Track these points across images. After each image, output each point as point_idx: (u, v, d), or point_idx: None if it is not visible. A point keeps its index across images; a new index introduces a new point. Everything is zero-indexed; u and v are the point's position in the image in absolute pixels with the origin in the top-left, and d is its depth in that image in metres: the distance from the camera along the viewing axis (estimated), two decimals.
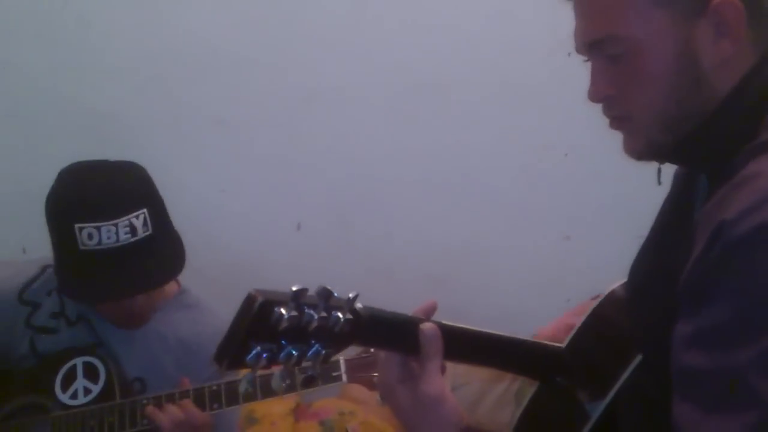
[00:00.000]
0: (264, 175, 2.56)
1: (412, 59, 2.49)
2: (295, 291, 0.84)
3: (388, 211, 2.59)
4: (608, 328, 1.21)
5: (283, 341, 0.86)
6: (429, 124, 2.55)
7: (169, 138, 2.50)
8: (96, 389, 1.68)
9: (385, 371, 1.03)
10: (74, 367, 1.70)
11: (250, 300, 0.84)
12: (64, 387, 1.69)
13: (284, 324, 0.83)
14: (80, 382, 1.69)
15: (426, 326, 1.00)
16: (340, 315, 0.89)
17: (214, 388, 1.62)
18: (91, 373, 1.69)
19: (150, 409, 1.61)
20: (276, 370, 0.89)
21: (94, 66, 2.44)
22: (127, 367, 1.76)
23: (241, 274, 2.52)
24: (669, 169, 1.21)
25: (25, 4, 2.40)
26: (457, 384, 2.15)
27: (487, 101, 2.53)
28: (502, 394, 2.24)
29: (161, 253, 1.67)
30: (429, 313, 1.06)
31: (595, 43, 1.04)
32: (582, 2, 1.05)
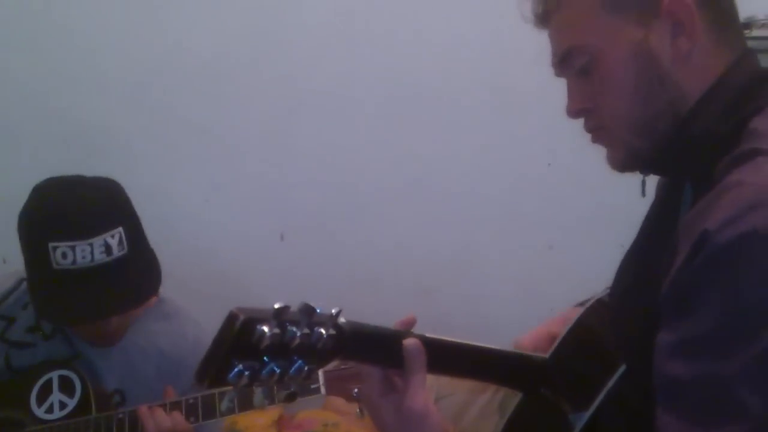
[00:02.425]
0: (248, 185, 2.55)
1: (396, 69, 2.49)
2: (277, 308, 0.84)
3: (371, 221, 2.59)
4: (592, 337, 1.21)
5: (265, 358, 0.85)
6: (413, 134, 2.55)
7: (154, 148, 2.49)
8: (72, 403, 1.65)
9: (368, 386, 1.02)
10: (50, 380, 1.67)
11: (231, 318, 0.83)
12: (40, 401, 1.66)
13: (266, 342, 0.82)
14: (56, 396, 1.66)
15: (409, 341, 0.99)
16: (322, 331, 0.88)
17: (191, 401, 1.59)
18: (67, 386, 1.67)
19: (143, 410, 1.58)
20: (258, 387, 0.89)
21: (79, 76, 2.42)
22: (106, 379, 1.74)
23: (225, 284, 2.51)
24: (653, 181, 1.22)
25: (8, 12, 2.38)
26: (441, 395, 2.14)
27: (471, 111, 2.54)
28: (486, 404, 2.23)
29: (136, 273, 1.64)
30: (408, 326, 1.05)
31: (562, 59, 1.10)
32: (551, 25, 1.11)
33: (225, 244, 2.54)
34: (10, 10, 2.38)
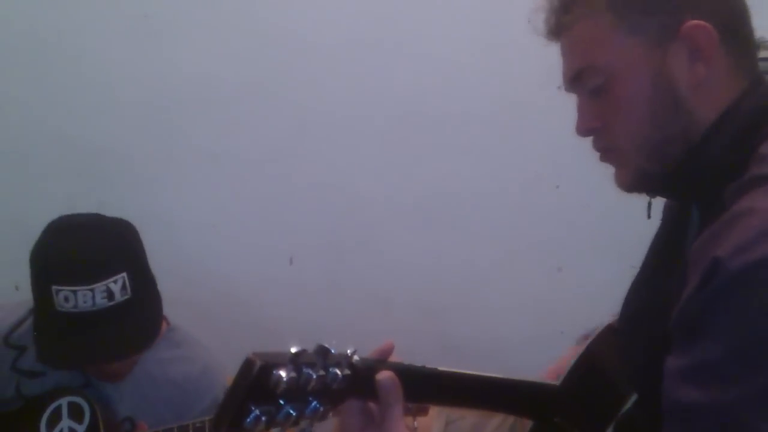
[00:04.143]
0: (256, 210, 2.56)
1: (404, 92, 2.50)
2: (294, 353, 0.84)
3: (380, 244, 2.59)
4: (603, 364, 1.20)
5: (281, 401, 0.85)
6: (421, 157, 2.55)
7: (161, 173, 2.50)
8: (81, 429, 1.65)
9: (346, 418, 1.00)
10: (59, 407, 1.67)
11: (248, 364, 0.82)
12: (50, 427, 1.66)
13: (283, 386, 0.82)
14: (65, 423, 1.66)
15: (382, 375, 0.97)
16: (338, 372, 0.88)
17: (198, 425, 1.61)
18: (76, 413, 1.67)
19: None
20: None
21: (89, 103, 2.44)
22: (116, 408, 1.74)
23: (235, 308, 2.51)
24: (659, 203, 1.22)
25: (20, 40, 2.41)
26: (451, 419, 2.14)
27: (479, 133, 2.54)
28: (496, 428, 2.23)
29: (138, 318, 1.64)
30: (386, 354, 1.03)
31: (575, 76, 1.08)
32: (563, 40, 1.10)
33: (234, 269, 2.55)
34: (24, 40, 2.41)
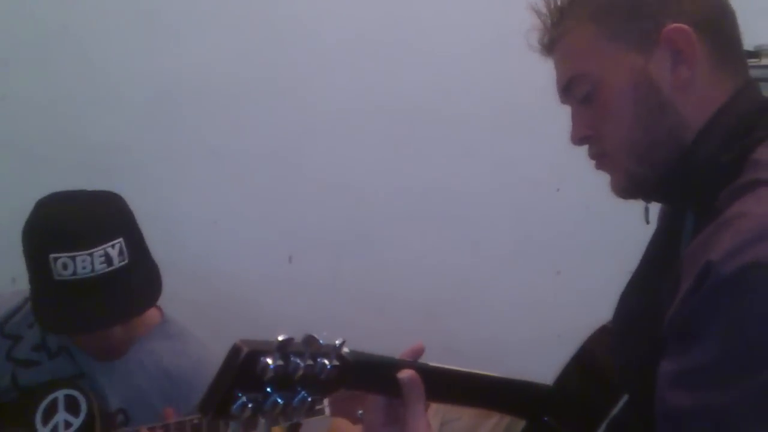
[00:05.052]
0: (257, 208, 2.56)
1: (405, 94, 2.51)
2: (281, 341, 0.84)
3: (380, 244, 2.59)
4: (596, 365, 1.21)
5: (268, 389, 0.85)
6: (421, 158, 2.55)
7: (163, 169, 2.50)
8: (77, 422, 1.66)
9: (371, 415, 1.02)
10: (55, 400, 1.67)
11: (235, 351, 0.83)
12: (45, 420, 1.66)
13: (270, 374, 0.83)
14: (61, 415, 1.66)
15: (404, 373, 0.98)
16: (326, 362, 0.89)
17: (195, 421, 1.60)
18: (72, 405, 1.67)
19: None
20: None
21: (92, 96, 2.44)
22: (110, 398, 1.74)
23: (233, 305, 2.51)
24: (657, 208, 1.22)
25: (22, 35, 2.41)
26: (447, 419, 2.14)
27: (480, 135, 2.54)
28: (492, 429, 2.23)
29: (137, 282, 1.66)
30: (416, 354, 1.05)
31: (566, 86, 1.11)
32: (555, 54, 1.13)
33: (233, 266, 2.55)
34: (28, 35, 2.41)
